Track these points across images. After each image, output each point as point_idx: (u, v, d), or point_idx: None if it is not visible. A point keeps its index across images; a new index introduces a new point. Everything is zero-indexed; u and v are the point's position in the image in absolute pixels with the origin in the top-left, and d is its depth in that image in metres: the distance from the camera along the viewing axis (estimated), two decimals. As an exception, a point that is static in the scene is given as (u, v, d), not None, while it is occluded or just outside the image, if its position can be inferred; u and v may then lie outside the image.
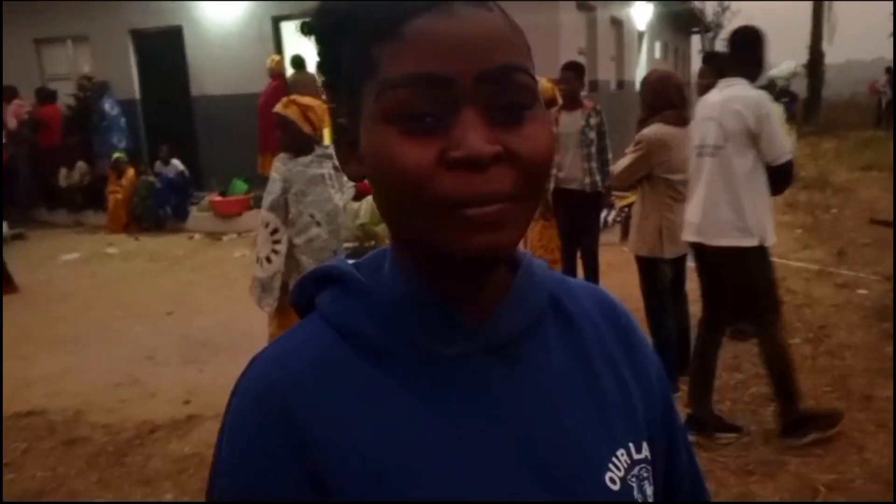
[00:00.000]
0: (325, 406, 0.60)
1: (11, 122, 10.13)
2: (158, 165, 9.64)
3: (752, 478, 3.08)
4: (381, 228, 7.17)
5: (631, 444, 0.67)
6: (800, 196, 9.29)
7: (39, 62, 11.54)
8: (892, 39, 19.92)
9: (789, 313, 4.94)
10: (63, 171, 10.09)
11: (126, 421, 3.92)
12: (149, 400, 4.22)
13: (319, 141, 3.60)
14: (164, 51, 10.43)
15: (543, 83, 5.50)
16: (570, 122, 5.02)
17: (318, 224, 3.49)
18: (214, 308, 5.93)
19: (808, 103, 22.21)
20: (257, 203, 9.42)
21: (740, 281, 3.34)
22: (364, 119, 0.58)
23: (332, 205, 3.52)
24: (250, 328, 5.31)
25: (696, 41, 24.91)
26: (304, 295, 0.68)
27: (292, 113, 3.51)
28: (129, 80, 10.76)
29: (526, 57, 0.59)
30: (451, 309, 0.63)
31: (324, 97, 3.20)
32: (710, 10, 27.33)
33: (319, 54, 0.66)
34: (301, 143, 3.52)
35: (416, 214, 0.56)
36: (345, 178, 7.91)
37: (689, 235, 3.42)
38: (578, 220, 5.12)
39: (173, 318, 5.80)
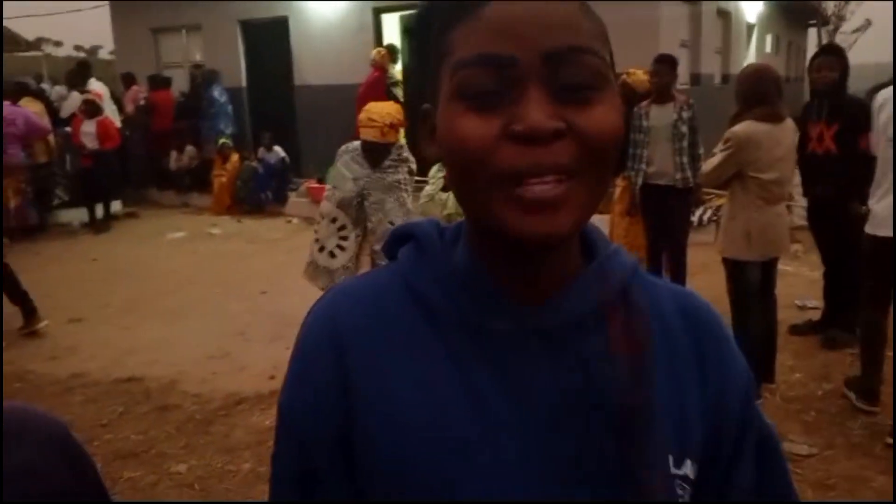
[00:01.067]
0: (373, 350, 0.66)
1: (129, 107, 10.76)
2: (261, 151, 10.02)
3: (832, 493, 2.95)
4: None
5: (670, 457, 0.66)
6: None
7: (156, 50, 12.20)
8: None
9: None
10: (173, 155, 10.65)
11: (215, 392, 4.13)
12: (238, 373, 4.43)
13: (395, 142, 3.55)
14: (270, 41, 10.82)
15: (640, 75, 5.38)
16: (660, 116, 4.90)
17: None
18: (304, 289, 6.09)
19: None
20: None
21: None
22: (440, 101, 0.62)
23: (406, 209, 3.52)
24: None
25: (812, 35, 23.64)
26: (392, 246, 0.73)
27: (372, 136, 3.48)
28: (236, 68, 11.23)
29: (599, 43, 0.60)
30: (501, 289, 0.65)
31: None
32: (831, 1, 25.85)
33: (413, 49, 0.72)
34: (381, 155, 3.50)
35: (478, 188, 0.59)
36: (434, 169, 8.00)
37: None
38: (668, 217, 5.00)
39: (266, 297, 6.04)
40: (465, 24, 0.59)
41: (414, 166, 3.56)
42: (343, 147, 3.66)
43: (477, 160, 0.57)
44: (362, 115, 3.52)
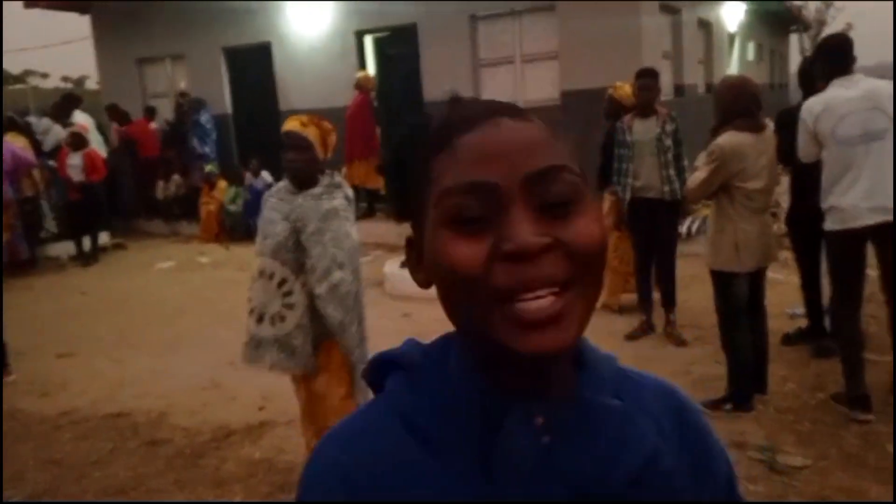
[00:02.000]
0: (383, 491, 0.65)
1: (114, 139, 10.77)
2: (248, 178, 10.02)
3: (828, 504, 2.94)
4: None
5: None
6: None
7: (141, 80, 12.22)
8: None
9: (880, 328, 4.67)
10: (160, 184, 10.64)
11: (205, 424, 4.10)
12: (228, 404, 4.39)
13: (324, 170, 3.05)
14: (254, 67, 10.84)
15: (626, 89, 5.39)
16: (644, 130, 4.92)
17: (341, 266, 2.92)
18: (294, 316, 6.10)
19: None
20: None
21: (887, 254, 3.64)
22: (427, 227, 0.64)
23: (351, 241, 2.98)
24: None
25: (794, 41, 23.85)
26: (374, 375, 0.74)
27: (312, 134, 2.95)
28: (221, 95, 11.25)
29: (570, 159, 0.63)
30: (511, 404, 0.64)
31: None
32: (812, 6, 26.07)
33: (392, 181, 0.76)
34: (313, 172, 2.98)
35: (474, 310, 0.60)
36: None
37: (870, 217, 3.49)
38: (657, 231, 5.00)
39: (256, 325, 6.01)
40: (445, 152, 0.62)
41: (350, 193, 3.10)
42: (266, 193, 3.20)
43: (470, 283, 0.59)
44: (301, 117, 3.03)
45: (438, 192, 0.61)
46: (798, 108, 3.97)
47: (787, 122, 3.97)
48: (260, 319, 2.97)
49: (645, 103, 4.93)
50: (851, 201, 3.54)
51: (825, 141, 3.61)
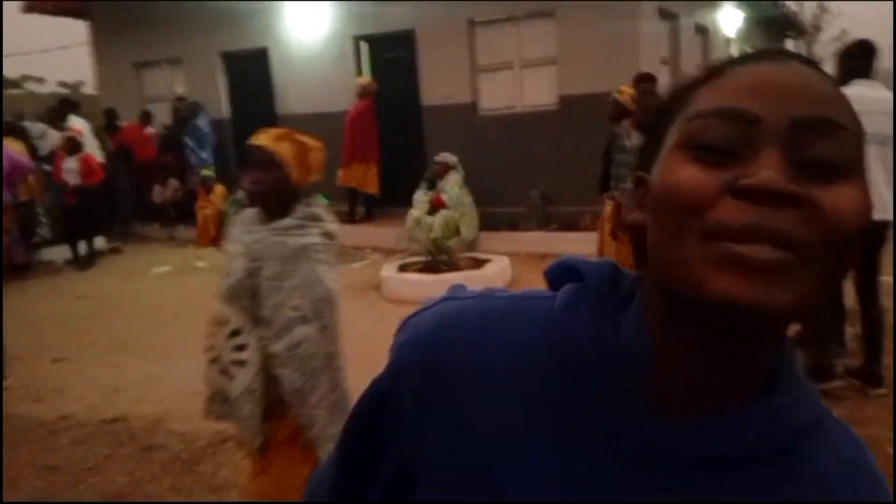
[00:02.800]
0: (472, 388, 0.59)
1: (110, 144, 10.77)
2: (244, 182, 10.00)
3: None
4: (454, 242, 7.22)
5: None
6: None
7: (139, 85, 12.21)
8: None
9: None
10: (157, 188, 10.62)
11: (201, 430, 4.07)
12: (224, 409, 4.37)
13: (302, 196, 2.45)
14: (251, 72, 10.85)
15: (631, 91, 5.39)
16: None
17: (306, 319, 2.33)
18: (292, 320, 6.10)
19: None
20: (338, 217, 9.64)
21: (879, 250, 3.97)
22: (664, 149, 0.55)
23: (322, 289, 2.36)
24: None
25: (789, 46, 23.93)
26: (556, 274, 0.66)
27: (285, 151, 2.38)
28: (218, 100, 11.24)
29: (854, 127, 0.53)
30: (667, 389, 0.55)
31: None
32: (808, 12, 26.18)
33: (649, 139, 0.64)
34: (284, 198, 2.39)
35: (683, 244, 0.50)
36: (419, 192, 7.94)
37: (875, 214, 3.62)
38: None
39: (253, 330, 5.99)
40: (710, 82, 0.55)
41: (333, 228, 2.49)
42: (234, 217, 2.68)
43: (690, 211, 0.50)
44: (273, 131, 2.50)
45: (690, 114, 0.54)
46: None
47: None
48: (222, 371, 2.41)
49: (648, 108, 4.92)
50: None
51: None
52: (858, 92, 3.73)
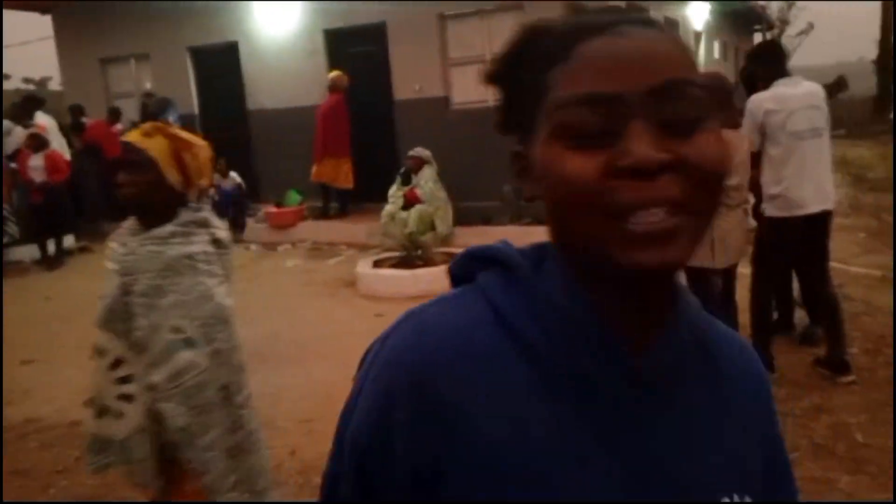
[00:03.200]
0: (464, 393, 0.61)
1: (77, 142, 10.56)
2: (216, 178, 9.89)
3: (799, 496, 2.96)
4: (429, 237, 7.20)
5: (735, 494, 0.66)
6: (865, 198, 8.94)
7: (105, 81, 12.01)
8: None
9: (847, 322, 4.75)
10: (127, 185, 10.46)
11: (175, 430, 4.02)
12: (198, 409, 4.32)
13: (187, 201, 2.12)
14: (220, 66, 10.73)
15: None
16: None
17: (191, 343, 1.97)
18: (265, 318, 6.04)
19: (877, 100, 21.36)
20: (311, 213, 9.63)
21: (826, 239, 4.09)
22: (537, 140, 0.61)
23: (212, 306, 2.02)
24: (299, 336, 5.42)
25: (758, 39, 24.22)
26: (465, 269, 0.69)
27: (156, 149, 2.05)
28: (188, 95, 11.10)
29: (696, 72, 0.60)
30: (606, 331, 0.62)
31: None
32: (775, 6, 26.55)
33: (500, 91, 0.69)
34: (162, 203, 2.06)
35: (584, 226, 0.58)
36: (393, 188, 7.88)
37: (814, 205, 3.87)
38: None
39: (226, 328, 5.93)
40: (564, 63, 0.59)
41: (223, 235, 2.20)
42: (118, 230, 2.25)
43: (584, 198, 0.57)
44: (144, 126, 2.18)
45: (554, 102, 0.59)
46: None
47: None
48: (101, 413, 2.08)
49: None
50: (800, 191, 3.85)
51: (774, 134, 3.86)
52: (785, 92, 3.86)
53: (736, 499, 0.65)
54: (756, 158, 4.00)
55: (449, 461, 0.60)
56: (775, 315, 4.75)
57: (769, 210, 3.97)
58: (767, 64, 4.05)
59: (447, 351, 0.62)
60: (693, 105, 0.58)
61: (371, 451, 0.64)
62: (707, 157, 0.57)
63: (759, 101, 3.89)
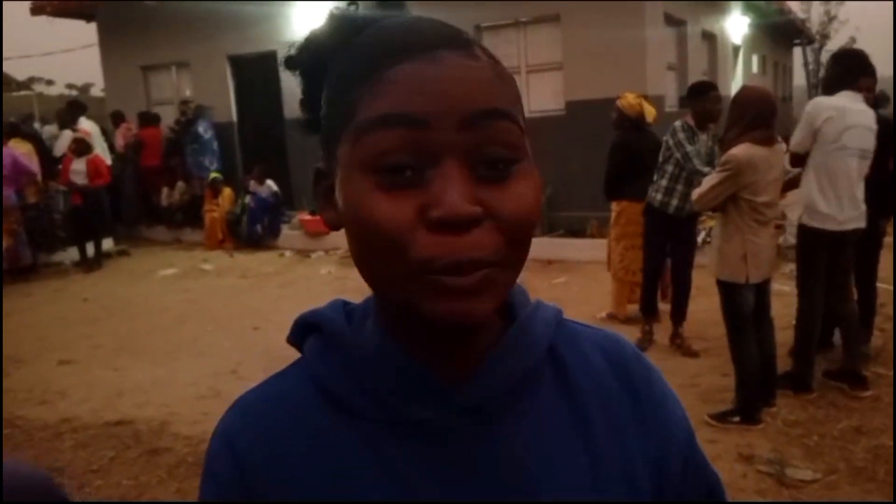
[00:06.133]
0: (278, 458, 0.62)
1: (119, 144, 10.77)
2: (253, 185, 10.02)
3: (837, 519, 2.90)
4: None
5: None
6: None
7: (146, 88, 12.24)
8: None
9: (887, 342, 4.64)
10: (165, 191, 10.64)
11: (206, 433, 4.03)
12: (229, 413, 4.36)
13: None
14: (259, 75, 10.86)
15: (630, 99, 5.35)
16: (702, 142, 4.84)
17: None
18: (297, 324, 6.09)
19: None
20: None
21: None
22: (341, 166, 0.56)
23: None
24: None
25: (797, 54, 23.90)
26: (297, 335, 0.68)
27: None
28: (226, 103, 11.26)
29: (514, 106, 0.56)
30: (426, 370, 0.60)
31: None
32: (815, 20, 26.11)
33: (303, 91, 0.67)
34: None
35: (391, 274, 0.54)
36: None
37: (849, 223, 3.87)
38: (675, 242, 4.96)
39: (259, 333, 5.98)
40: (370, 83, 0.53)
41: None
42: None
43: (390, 247, 0.52)
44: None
45: (357, 123, 0.53)
46: None
47: None
48: None
49: (713, 117, 4.82)
50: (838, 206, 3.84)
51: (827, 143, 3.80)
52: (842, 104, 3.80)
53: None
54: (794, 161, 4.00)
55: None
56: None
57: (804, 218, 3.94)
58: (838, 68, 3.99)
59: (257, 433, 0.63)
60: (507, 142, 0.54)
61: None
62: (521, 207, 0.54)
63: (820, 108, 3.85)
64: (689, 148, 4.68)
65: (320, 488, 0.60)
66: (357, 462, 0.60)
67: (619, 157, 5.22)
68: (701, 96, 4.78)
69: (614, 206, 5.39)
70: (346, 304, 0.68)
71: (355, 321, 0.65)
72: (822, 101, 3.90)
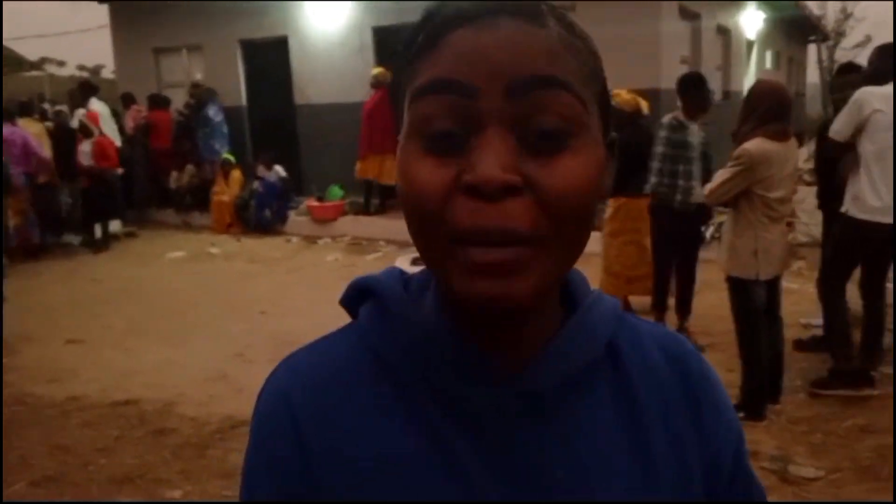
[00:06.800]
0: (332, 422, 0.60)
1: (129, 126, 10.78)
2: (261, 170, 10.03)
3: (841, 517, 2.90)
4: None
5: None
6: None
7: (157, 70, 12.25)
8: None
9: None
10: (174, 174, 10.66)
11: (212, 415, 4.08)
12: (235, 396, 4.37)
13: None
14: (270, 60, 10.85)
15: (624, 95, 5.33)
16: (697, 134, 4.84)
17: None
18: (304, 308, 6.10)
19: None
20: (352, 209, 9.69)
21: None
22: (403, 131, 0.56)
23: None
24: (335, 328, 5.46)
25: (812, 51, 23.72)
26: (351, 301, 0.67)
27: None
28: (237, 88, 11.26)
29: (579, 79, 0.53)
30: (481, 352, 0.58)
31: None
32: (831, 17, 25.91)
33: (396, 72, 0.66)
34: None
35: (427, 242, 0.54)
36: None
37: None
38: (682, 236, 4.95)
39: (266, 317, 6.01)
40: (429, 49, 0.53)
41: None
42: None
43: (429, 213, 0.51)
44: None
45: (413, 89, 0.53)
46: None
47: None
48: None
49: (704, 107, 4.80)
50: (883, 198, 3.76)
51: (877, 132, 3.76)
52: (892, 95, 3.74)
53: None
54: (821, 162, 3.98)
55: (330, 496, 0.59)
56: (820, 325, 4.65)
57: (850, 210, 3.88)
58: (891, 61, 3.91)
59: (314, 392, 0.62)
60: (559, 114, 0.51)
61: (261, 487, 0.63)
62: (567, 182, 0.50)
63: (869, 97, 3.79)
64: (660, 149, 4.72)
65: (367, 454, 0.59)
66: (405, 432, 0.59)
67: (619, 155, 5.20)
68: (691, 87, 4.79)
69: (611, 203, 5.36)
70: (402, 272, 0.67)
71: (412, 291, 0.64)
72: (872, 90, 3.81)
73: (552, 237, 0.51)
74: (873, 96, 3.77)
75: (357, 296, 0.66)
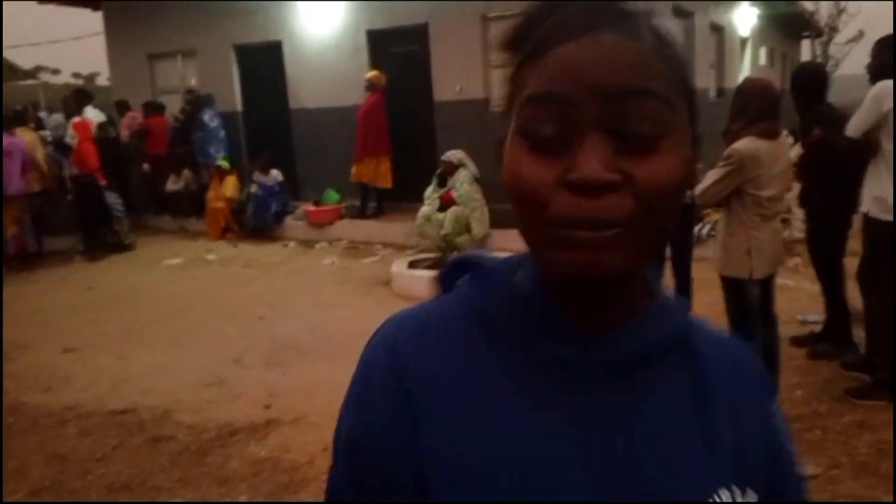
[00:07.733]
0: (436, 374, 0.66)
1: (124, 134, 10.78)
2: (257, 175, 10.02)
3: (839, 513, 2.90)
4: (463, 239, 7.20)
5: (735, 487, 0.66)
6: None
7: (152, 76, 12.23)
8: None
9: None
10: (171, 178, 10.64)
11: (209, 421, 4.08)
12: (233, 402, 4.37)
13: None
14: (264, 65, 10.84)
15: None
16: None
17: None
18: (302, 313, 6.10)
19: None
20: (349, 212, 9.68)
21: None
22: (510, 131, 0.62)
23: None
24: (334, 333, 5.45)
25: (805, 46, 23.75)
26: (450, 275, 0.74)
27: None
28: (231, 92, 11.24)
29: (670, 87, 0.59)
30: (570, 317, 0.65)
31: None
32: (824, 13, 25.93)
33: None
34: None
35: (531, 229, 0.60)
36: (429, 189, 7.91)
37: None
38: (678, 234, 4.95)
39: (263, 322, 6.00)
40: (537, 60, 0.60)
41: None
42: None
43: (533, 204, 0.59)
44: None
45: (523, 97, 0.60)
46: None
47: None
48: None
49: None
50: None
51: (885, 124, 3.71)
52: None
53: (737, 492, 0.65)
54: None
55: (430, 441, 0.64)
56: (818, 328, 4.65)
57: (873, 211, 3.84)
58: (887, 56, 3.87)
59: (420, 340, 0.68)
60: (651, 119, 0.57)
61: (364, 439, 0.67)
62: (659, 178, 0.57)
63: (888, 91, 3.71)
64: None
65: (467, 407, 0.64)
66: (504, 387, 0.65)
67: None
68: None
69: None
70: (498, 255, 0.73)
71: (512, 264, 0.71)
72: (889, 85, 3.72)
73: (643, 224, 0.58)
74: (891, 91, 3.68)
75: (454, 272, 0.74)
